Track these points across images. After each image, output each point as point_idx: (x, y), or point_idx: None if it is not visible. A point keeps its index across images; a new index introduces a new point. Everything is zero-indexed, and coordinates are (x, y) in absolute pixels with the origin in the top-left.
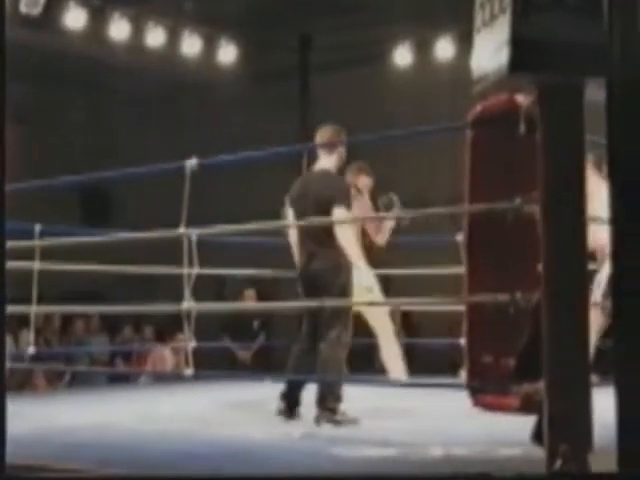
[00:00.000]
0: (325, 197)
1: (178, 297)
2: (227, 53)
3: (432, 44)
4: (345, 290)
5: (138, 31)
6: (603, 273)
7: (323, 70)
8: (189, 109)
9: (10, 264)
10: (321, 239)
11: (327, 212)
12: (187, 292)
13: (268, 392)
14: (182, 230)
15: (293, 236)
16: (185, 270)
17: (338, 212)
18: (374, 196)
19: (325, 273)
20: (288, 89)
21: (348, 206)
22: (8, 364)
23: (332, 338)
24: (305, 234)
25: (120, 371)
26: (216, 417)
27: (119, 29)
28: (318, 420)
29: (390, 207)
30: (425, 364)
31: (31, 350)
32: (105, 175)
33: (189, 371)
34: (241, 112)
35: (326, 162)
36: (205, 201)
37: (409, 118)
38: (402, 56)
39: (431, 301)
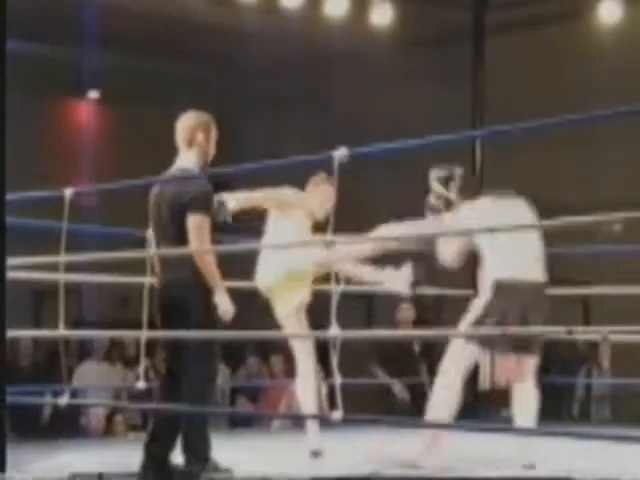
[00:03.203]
0: (180, 202)
1: (312, 319)
2: (381, 14)
3: None
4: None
5: None
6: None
7: (502, 32)
8: (334, 84)
9: (118, 279)
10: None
11: (182, 219)
12: (333, 314)
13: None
14: (328, 237)
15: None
16: (332, 286)
17: (193, 220)
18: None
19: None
20: (457, 57)
21: (206, 212)
22: (109, 400)
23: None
24: (161, 243)
25: (246, 412)
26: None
27: None
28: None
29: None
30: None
31: (141, 385)
32: (230, 170)
33: (337, 414)
34: (399, 86)
35: (185, 158)
36: (350, 200)
37: (613, 91)
38: (609, 10)
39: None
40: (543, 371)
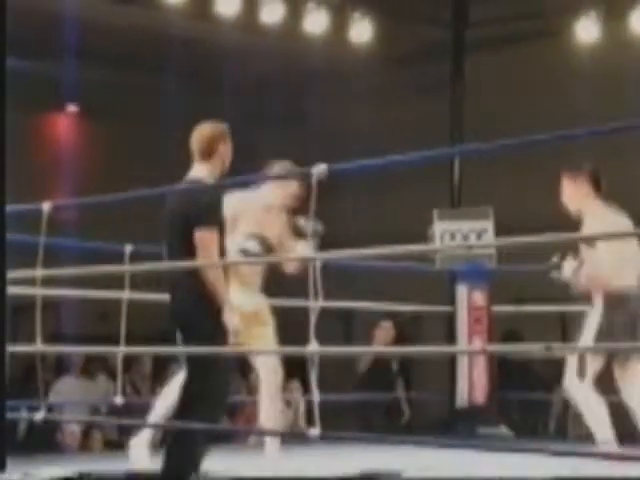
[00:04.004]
0: (187, 215)
1: (291, 336)
2: (361, 31)
3: (626, 14)
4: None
5: (251, 5)
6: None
7: (481, 49)
8: (313, 100)
9: (94, 293)
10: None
11: (185, 233)
12: (312, 331)
13: (413, 458)
14: (307, 253)
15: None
16: (310, 302)
17: (200, 234)
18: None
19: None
20: (437, 74)
21: (214, 226)
22: (86, 415)
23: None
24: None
25: (223, 428)
26: None
27: (227, 3)
28: None
29: (315, 235)
30: None
31: (118, 400)
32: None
33: (315, 431)
34: (378, 103)
35: (200, 169)
36: (328, 216)
37: (592, 110)
38: (586, 29)
39: None
40: (521, 388)
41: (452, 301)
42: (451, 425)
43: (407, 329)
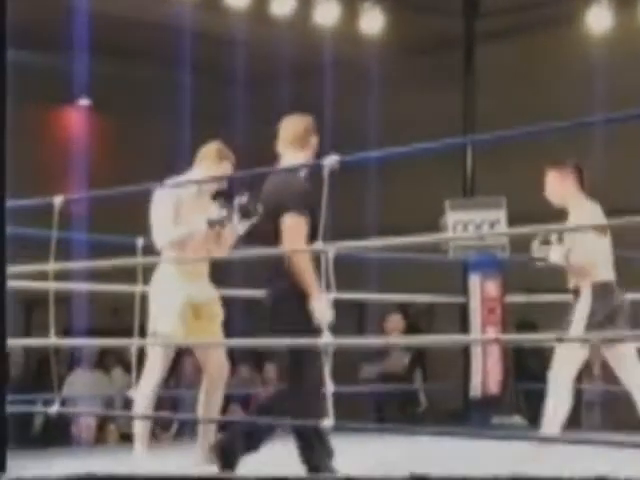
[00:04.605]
0: (276, 202)
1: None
2: (372, 21)
3: (638, 1)
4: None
5: None
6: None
7: (492, 38)
8: (324, 91)
9: (108, 287)
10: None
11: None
12: (324, 323)
13: (426, 448)
14: (319, 245)
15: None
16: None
17: (287, 219)
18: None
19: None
20: (448, 63)
21: (302, 213)
22: (100, 409)
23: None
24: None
25: (238, 419)
26: None
27: None
28: None
29: (248, 214)
30: None
31: (133, 393)
32: (224, 176)
33: (328, 422)
34: (389, 93)
35: (292, 159)
36: (340, 207)
37: (604, 98)
38: (598, 18)
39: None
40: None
41: (465, 292)
42: (465, 415)
43: (420, 320)
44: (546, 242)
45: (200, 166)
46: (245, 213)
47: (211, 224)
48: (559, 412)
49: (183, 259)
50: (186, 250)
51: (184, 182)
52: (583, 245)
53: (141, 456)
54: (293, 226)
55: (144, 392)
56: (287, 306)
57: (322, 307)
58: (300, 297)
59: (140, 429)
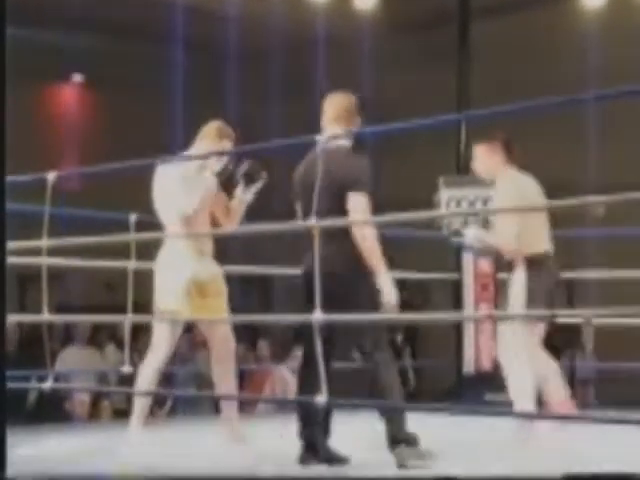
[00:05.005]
0: (341, 180)
1: (293, 304)
2: None
3: None
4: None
5: None
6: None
7: (487, 14)
8: (317, 68)
9: (101, 263)
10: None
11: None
12: (317, 298)
13: (425, 424)
14: (314, 221)
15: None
16: (316, 271)
17: (356, 198)
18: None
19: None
20: (442, 39)
21: (368, 192)
22: (93, 385)
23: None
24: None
25: (232, 396)
26: (369, 458)
27: None
28: (402, 460)
29: (253, 180)
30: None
31: (126, 369)
32: (213, 153)
33: (322, 398)
34: (383, 70)
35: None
36: None
37: (599, 74)
38: None
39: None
40: None
41: (458, 268)
42: (458, 392)
43: (414, 298)
44: (485, 222)
45: (200, 145)
46: (249, 179)
47: (218, 175)
48: (525, 389)
49: (190, 235)
50: (195, 226)
51: (185, 157)
52: (503, 223)
53: (136, 432)
54: (364, 205)
55: (150, 368)
56: (356, 285)
57: (390, 285)
58: (367, 275)
59: (139, 405)
